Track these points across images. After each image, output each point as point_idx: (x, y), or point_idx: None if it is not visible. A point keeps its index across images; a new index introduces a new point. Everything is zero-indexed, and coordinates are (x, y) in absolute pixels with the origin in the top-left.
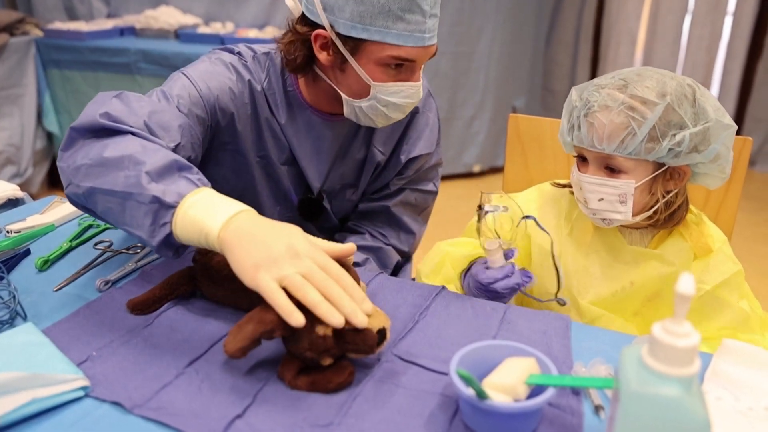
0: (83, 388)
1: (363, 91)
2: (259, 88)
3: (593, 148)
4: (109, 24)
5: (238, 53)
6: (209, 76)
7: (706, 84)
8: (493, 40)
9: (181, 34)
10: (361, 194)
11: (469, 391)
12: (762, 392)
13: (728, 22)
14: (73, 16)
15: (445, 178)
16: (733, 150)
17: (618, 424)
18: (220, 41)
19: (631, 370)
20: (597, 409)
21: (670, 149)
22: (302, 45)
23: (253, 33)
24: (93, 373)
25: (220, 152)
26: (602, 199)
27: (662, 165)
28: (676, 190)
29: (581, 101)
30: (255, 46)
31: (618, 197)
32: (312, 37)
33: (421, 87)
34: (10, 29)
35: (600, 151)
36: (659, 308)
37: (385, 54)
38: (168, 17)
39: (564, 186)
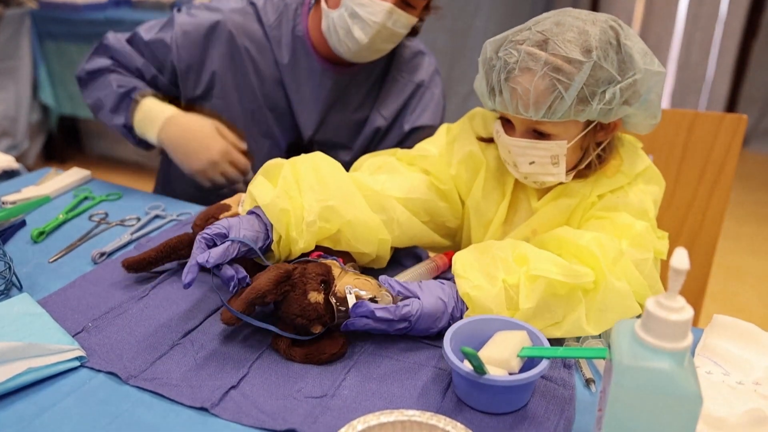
0: (79, 358)
1: None
2: (259, 31)
3: (519, 114)
4: None
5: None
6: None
7: (702, 63)
8: (490, 16)
9: (177, 6)
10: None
11: (466, 366)
12: (751, 367)
13: (725, 1)
14: None
15: None
16: (728, 129)
17: (610, 396)
18: None
19: (624, 344)
20: (588, 382)
21: (600, 108)
22: None
23: None
24: (88, 343)
25: (203, 102)
26: (533, 162)
27: (593, 121)
28: (606, 141)
29: (499, 60)
30: None
31: (550, 159)
32: None
33: (387, 12)
34: (5, 1)
35: (527, 118)
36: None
37: None
38: None
39: (486, 141)
